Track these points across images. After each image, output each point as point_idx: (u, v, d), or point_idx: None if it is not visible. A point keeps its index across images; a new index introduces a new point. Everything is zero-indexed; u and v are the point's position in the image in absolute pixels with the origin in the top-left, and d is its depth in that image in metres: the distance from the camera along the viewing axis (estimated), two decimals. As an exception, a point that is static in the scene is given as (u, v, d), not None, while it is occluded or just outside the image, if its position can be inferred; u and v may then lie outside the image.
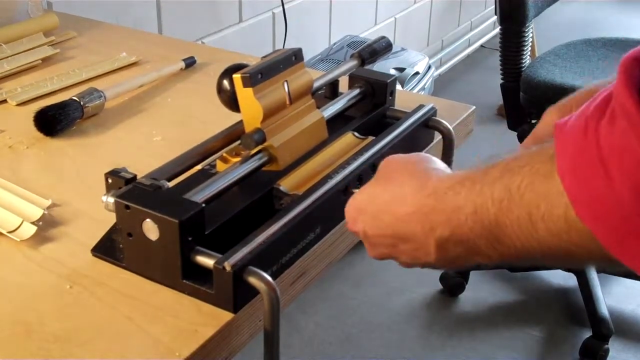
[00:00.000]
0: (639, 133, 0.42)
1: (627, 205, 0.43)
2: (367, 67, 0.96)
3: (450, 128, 0.89)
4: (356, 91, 0.91)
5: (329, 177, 0.75)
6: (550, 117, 0.70)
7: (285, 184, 0.75)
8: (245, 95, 0.76)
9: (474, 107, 1.01)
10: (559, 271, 2.08)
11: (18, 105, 1.02)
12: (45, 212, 0.76)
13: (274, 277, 0.66)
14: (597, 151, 0.45)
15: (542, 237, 0.49)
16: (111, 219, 0.68)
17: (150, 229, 0.64)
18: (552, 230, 0.48)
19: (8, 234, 0.73)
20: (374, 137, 0.84)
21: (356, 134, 0.86)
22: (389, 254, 0.63)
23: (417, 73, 2.29)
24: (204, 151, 0.77)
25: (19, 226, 0.73)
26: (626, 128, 0.43)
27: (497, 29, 1.93)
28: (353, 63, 0.95)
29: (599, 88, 0.50)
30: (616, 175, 0.44)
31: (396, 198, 0.60)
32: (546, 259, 0.52)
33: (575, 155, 0.46)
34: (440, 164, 0.62)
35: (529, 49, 1.89)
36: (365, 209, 0.63)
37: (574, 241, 0.48)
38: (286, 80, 0.79)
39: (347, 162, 0.78)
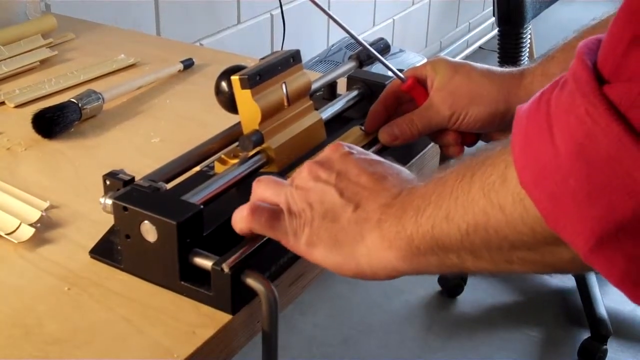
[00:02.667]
0: (583, 90, 0.41)
1: (565, 168, 0.42)
2: (366, 68, 0.96)
3: (448, 129, 0.89)
4: (354, 93, 0.91)
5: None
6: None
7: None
8: (243, 96, 0.76)
9: (472, 108, 1.01)
10: (558, 272, 2.08)
11: (16, 107, 1.02)
12: (43, 214, 0.76)
13: (272, 278, 0.66)
14: (547, 116, 0.44)
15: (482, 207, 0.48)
16: (109, 220, 0.68)
17: (148, 231, 0.64)
18: (500, 204, 0.47)
19: (6, 236, 0.72)
20: None
21: (363, 127, 0.87)
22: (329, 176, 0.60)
23: (415, 74, 2.29)
24: (202, 153, 0.77)
25: (17, 228, 0.73)
26: (573, 89, 0.42)
27: (496, 31, 1.93)
28: (351, 65, 0.95)
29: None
30: (558, 135, 0.42)
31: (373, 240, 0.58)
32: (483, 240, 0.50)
33: (528, 124, 0.45)
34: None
35: (527, 50, 1.89)
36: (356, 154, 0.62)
37: (518, 215, 0.46)
38: (284, 82, 0.79)
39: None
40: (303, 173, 0.61)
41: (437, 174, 0.55)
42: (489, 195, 0.48)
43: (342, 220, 0.58)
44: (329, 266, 0.59)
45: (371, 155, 0.63)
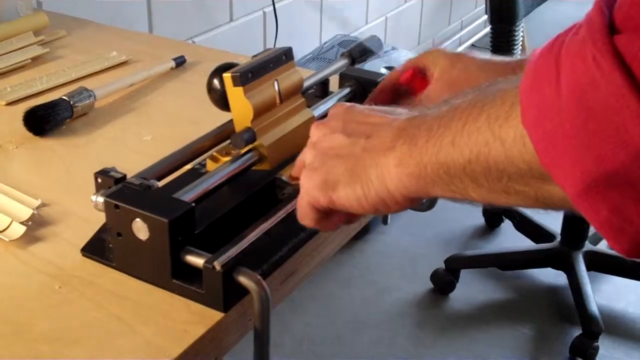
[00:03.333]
0: (594, 36, 0.42)
1: (565, 110, 0.42)
2: (358, 66, 0.96)
3: (441, 127, 0.89)
4: (346, 90, 0.92)
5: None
6: None
7: (287, 174, 0.76)
8: (235, 94, 0.76)
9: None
10: (549, 269, 2.09)
11: (7, 104, 1.01)
12: (35, 212, 0.76)
13: (264, 276, 0.66)
14: (556, 57, 0.44)
15: (485, 141, 0.49)
16: (101, 218, 0.68)
17: (140, 229, 0.64)
18: (501, 136, 0.48)
19: (-3, 234, 0.72)
20: None
21: None
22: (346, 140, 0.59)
23: (407, 72, 2.29)
24: (194, 150, 0.77)
25: (8, 226, 0.73)
26: (585, 34, 0.42)
27: (488, 28, 1.93)
28: (343, 62, 0.95)
29: None
30: (564, 78, 0.43)
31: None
32: (473, 178, 0.50)
33: (537, 63, 0.46)
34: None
35: (520, 48, 1.89)
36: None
37: (517, 151, 0.47)
38: (276, 79, 0.79)
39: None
40: (312, 132, 0.62)
41: (453, 99, 0.54)
42: (493, 128, 0.48)
43: (356, 153, 0.58)
44: (354, 205, 0.58)
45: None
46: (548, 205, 0.50)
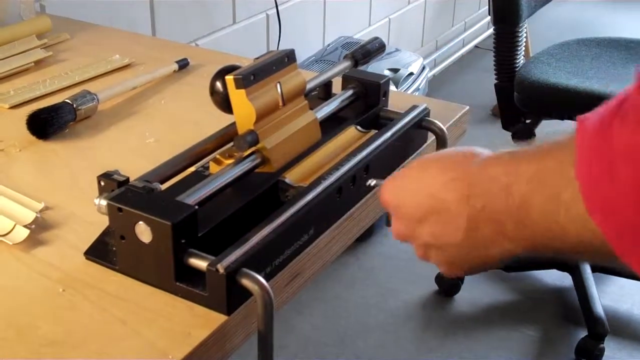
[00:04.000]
0: None
1: (631, 207, 0.44)
2: (362, 68, 0.96)
3: (444, 128, 0.89)
4: (349, 92, 0.91)
5: (322, 178, 0.75)
6: None
7: (291, 177, 0.75)
8: (238, 96, 0.76)
9: (468, 107, 1.01)
10: (554, 271, 2.09)
11: (10, 108, 1.02)
12: (38, 215, 0.76)
13: (268, 278, 0.66)
14: (609, 151, 0.45)
15: (562, 222, 0.50)
16: (104, 221, 0.68)
17: (143, 232, 0.64)
18: (572, 217, 0.49)
19: (0, 238, 0.72)
20: (376, 131, 0.85)
21: (359, 127, 0.87)
22: (413, 231, 0.63)
23: (411, 74, 2.29)
24: (197, 153, 0.77)
25: (11, 230, 0.73)
26: (634, 127, 0.44)
27: (491, 30, 1.93)
28: (346, 64, 0.95)
29: None
30: (623, 175, 0.44)
31: (444, 167, 0.61)
32: (569, 249, 0.52)
33: (589, 152, 0.47)
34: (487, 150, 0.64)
35: (523, 49, 1.89)
36: (407, 179, 0.64)
37: (589, 232, 0.48)
38: (279, 82, 0.79)
39: (341, 163, 0.77)
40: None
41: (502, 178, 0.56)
42: (559, 213, 0.50)
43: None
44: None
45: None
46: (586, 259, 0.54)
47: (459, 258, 0.61)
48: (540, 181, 0.51)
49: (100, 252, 0.70)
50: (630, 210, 0.44)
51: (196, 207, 0.65)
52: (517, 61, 1.87)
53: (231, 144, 0.78)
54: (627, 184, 0.44)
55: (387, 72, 2.22)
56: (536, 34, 3.27)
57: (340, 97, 0.91)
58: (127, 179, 0.69)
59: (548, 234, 0.52)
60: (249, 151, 0.76)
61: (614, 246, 0.46)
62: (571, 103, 1.75)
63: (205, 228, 0.68)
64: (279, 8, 2.11)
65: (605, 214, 0.46)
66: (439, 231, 0.60)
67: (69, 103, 0.95)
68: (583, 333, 1.88)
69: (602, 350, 1.84)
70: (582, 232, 0.49)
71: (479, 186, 0.56)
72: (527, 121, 1.91)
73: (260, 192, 0.75)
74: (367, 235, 2.26)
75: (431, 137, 0.92)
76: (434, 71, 3.31)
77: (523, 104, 1.85)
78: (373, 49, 0.97)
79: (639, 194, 0.43)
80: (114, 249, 0.68)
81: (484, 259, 0.60)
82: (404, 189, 0.64)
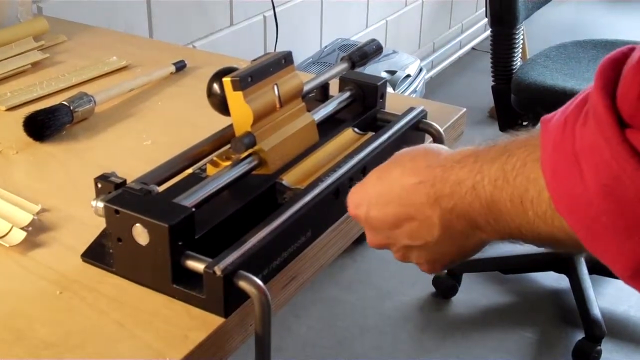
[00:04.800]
0: (606, 134, 0.44)
1: (596, 204, 0.45)
2: (359, 69, 0.96)
3: (441, 130, 0.89)
4: (346, 94, 0.91)
5: (319, 180, 0.75)
6: None
7: (288, 179, 0.75)
8: (235, 98, 0.76)
9: (465, 109, 1.01)
10: (552, 273, 2.09)
11: (7, 110, 1.01)
12: (35, 218, 0.76)
13: (265, 281, 0.66)
14: (572, 150, 0.47)
15: (531, 219, 0.52)
16: (101, 223, 0.68)
17: (140, 234, 0.64)
18: (539, 214, 0.51)
19: (-3, 240, 0.72)
20: (373, 133, 0.85)
21: (356, 129, 0.87)
22: (389, 238, 0.65)
23: (408, 76, 2.29)
24: (194, 155, 0.77)
25: (8, 232, 0.73)
26: (595, 129, 0.45)
27: (488, 32, 1.93)
28: (343, 66, 0.95)
29: None
30: (587, 175, 0.45)
31: (406, 171, 0.62)
32: (540, 241, 0.54)
33: (554, 152, 0.48)
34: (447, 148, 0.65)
35: (520, 51, 1.89)
36: (370, 189, 0.65)
37: (557, 228, 0.50)
38: (276, 84, 0.79)
39: (338, 165, 0.77)
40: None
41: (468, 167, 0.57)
42: (527, 210, 0.52)
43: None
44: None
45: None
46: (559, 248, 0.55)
47: (440, 254, 0.63)
48: (505, 180, 0.53)
49: (97, 254, 0.69)
50: (594, 206, 0.45)
51: (193, 209, 0.65)
52: (514, 63, 1.88)
53: (228, 146, 0.78)
54: (590, 181, 0.45)
55: (384, 74, 2.22)
56: (533, 36, 3.27)
57: (337, 99, 0.91)
58: (124, 181, 0.69)
59: (519, 227, 0.53)
60: (246, 153, 0.76)
61: (582, 239, 0.48)
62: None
63: (203, 230, 0.67)
64: (277, 10, 2.11)
65: (571, 211, 0.47)
66: (415, 232, 0.61)
67: (66, 105, 0.95)
68: (580, 335, 1.88)
69: (600, 352, 1.84)
70: (552, 226, 0.50)
71: (446, 188, 0.58)
72: (524, 123, 1.91)
73: (257, 194, 0.75)
74: (364, 237, 2.25)
75: (428, 139, 0.92)
76: (431, 73, 3.32)
77: (520, 105, 1.85)
78: (370, 51, 0.97)
79: (600, 191, 0.45)
80: (111, 251, 0.68)
81: (462, 250, 0.62)
82: (370, 201, 0.64)
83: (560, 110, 0.50)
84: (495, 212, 0.54)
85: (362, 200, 0.65)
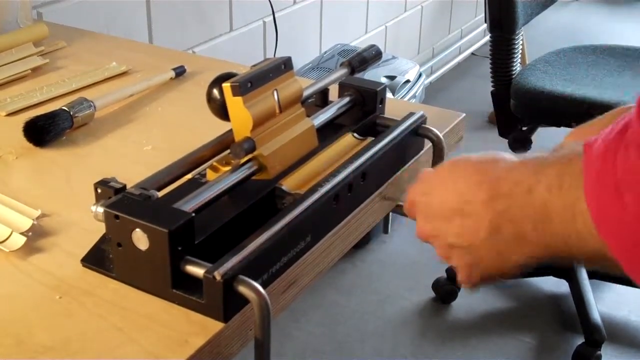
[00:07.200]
0: None
1: (638, 231, 0.47)
2: (358, 75, 0.96)
3: (440, 135, 0.89)
4: (346, 99, 0.91)
5: (319, 185, 0.75)
6: (570, 139, 0.72)
7: (287, 184, 0.75)
8: (234, 104, 0.76)
9: (464, 114, 1.01)
10: (551, 278, 2.09)
11: (7, 115, 1.02)
12: (35, 223, 0.76)
13: (265, 286, 0.66)
14: (614, 178, 0.48)
15: (580, 230, 0.52)
16: (101, 229, 0.68)
17: (140, 239, 0.64)
18: (588, 226, 0.51)
19: (-3, 245, 0.72)
20: (372, 138, 0.85)
21: (356, 134, 0.87)
22: (437, 230, 0.65)
23: (408, 81, 2.30)
24: (194, 160, 0.77)
25: (8, 237, 0.73)
26: (636, 157, 0.46)
27: (488, 37, 1.93)
28: (343, 71, 0.95)
29: (623, 111, 0.53)
30: (629, 203, 0.47)
31: (470, 169, 0.63)
32: (585, 256, 0.54)
33: (597, 182, 0.50)
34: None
35: (519, 56, 1.90)
36: (435, 179, 0.66)
37: (604, 243, 0.50)
38: (276, 89, 0.79)
39: (338, 170, 0.78)
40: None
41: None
42: (577, 221, 0.53)
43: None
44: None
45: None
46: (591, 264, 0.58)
47: (480, 259, 0.63)
48: (560, 188, 0.53)
49: (97, 259, 0.69)
50: (635, 233, 0.47)
51: (193, 214, 0.65)
52: (514, 68, 1.88)
53: (228, 151, 0.78)
54: (632, 209, 0.46)
55: (383, 80, 2.22)
56: (532, 41, 3.28)
57: (337, 104, 0.91)
58: (124, 186, 0.69)
59: (567, 239, 0.54)
60: (245, 158, 0.76)
61: (622, 263, 0.49)
62: (567, 110, 1.76)
63: (202, 235, 0.68)
64: (276, 15, 2.11)
65: (613, 236, 0.49)
66: (463, 231, 0.62)
67: (65, 110, 0.95)
68: (580, 340, 1.88)
69: (599, 357, 1.84)
70: (599, 242, 0.51)
71: (504, 188, 0.59)
72: (524, 128, 1.91)
73: (257, 200, 0.75)
74: (364, 242, 2.26)
75: (428, 145, 0.93)
76: (430, 78, 3.32)
77: (519, 111, 1.86)
78: (370, 57, 0.97)
79: None
80: (110, 256, 0.68)
81: (502, 262, 0.61)
82: (433, 188, 0.66)
83: (602, 134, 0.51)
84: (545, 218, 0.55)
85: (426, 187, 0.67)
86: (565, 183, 0.53)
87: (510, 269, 0.62)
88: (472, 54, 3.70)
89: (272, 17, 2.11)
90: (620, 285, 2.06)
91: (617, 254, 0.49)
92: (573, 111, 1.74)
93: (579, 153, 0.53)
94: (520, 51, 1.90)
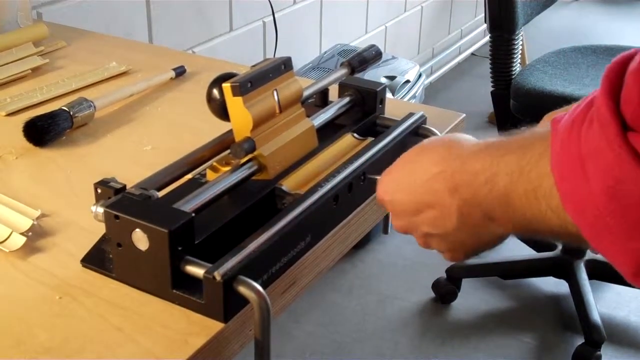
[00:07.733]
0: (609, 137, 0.46)
1: (600, 206, 0.47)
2: (358, 75, 0.96)
3: (440, 136, 0.89)
4: (346, 99, 0.92)
5: (319, 185, 0.75)
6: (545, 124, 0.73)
7: (287, 184, 0.75)
8: (234, 104, 0.76)
9: (464, 114, 1.02)
10: (551, 278, 2.09)
11: (7, 115, 1.02)
12: (35, 223, 0.76)
13: (265, 286, 0.66)
14: (578, 153, 0.48)
15: (544, 212, 0.53)
16: (101, 229, 0.68)
17: (140, 239, 0.64)
18: (552, 207, 0.53)
19: (-3, 245, 0.72)
20: (372, 138, 0.85)
21: (356, 135, 0.87)
22: (411, 223, 0.67)
23: (407, 81, 2.30)
24: (194, 160, 0.77)
25: (8, 237, 0.73)
26: (599, 132, 0.47)
27: (487, 37, 1.93)
28: (343, 71, 0.95)
29: None
30: (592, 177, 0.47)
31: (429, 160, 0.64)
32: (552, 234, 0.56)
33: (562, 153, 0.50)
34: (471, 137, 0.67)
35: (519, 56, 1.90)
36: (396, 175, 0.68)
37: (569, 221, 0.51)
38: (276, 89, 0.79)
39: (338, 171, 0.78)
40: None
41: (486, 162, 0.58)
42: (540, 204, 0.54)
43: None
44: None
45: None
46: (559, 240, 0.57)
47: (459, 243, 0.65)
48: (520, 173, 0.55)
49: (97, 259, 0.69)
50: (598, 207, 0.47)
51: (193, 214, 0.65)
52: (513, 69, 1.88)
53: (228, 151, 0.78)
54: (595, 183, 0.47)
55: (383, 80, 2.22)
56: (532, 42, 3.28)
57: (336, 104, 0.91)
58: (124, 187, 0.69)
59: (533, 220, 0.55)
60: (245, 158, 0.76)
61: (587, 237, 0.50)
62: (567, 110, 1.76)
63: (202, 235, 0.68)
64: (276, 15, 2.11)
65: (577, 210, 0.49)
66: (435, 220, 0.64)
67: (65, 110, 0.95)
68: (580, 340, 1.88)
69: (599, 358, 1.84)
70: (564, 220, 0.52)
71: (464, 179, 0.60)
72: (523, 128, 1.91)
73: (257, 200, 0.75)
74: (364, 242, 2.26)
75: (428, 145, 0.92)
76: (430, 79, 3.32)
77: (519, 111, 1.86)
78: (370, 57, 0.97)
79: (604, 193, 0.46)
80: (110, 256, 0.68)
81: (480, 241, 0.64)
82: (397, 186, 0.67)
83: (569, 111, 0.52)
84: (510, 205, 0.56)
85: (389, 185, 0.68)
86: (526, 168, 0.54)
87: (489, 244, 0.64)
88: (472, 54, 3.70)
89: (272, 17, 2.10)
90: (620, 286, 2.06)
91: (582, 227, 0.50)
92: (573, 111, 1.73)
93: (541, 135, 0.54)
94: (520, 51, 1.90)
